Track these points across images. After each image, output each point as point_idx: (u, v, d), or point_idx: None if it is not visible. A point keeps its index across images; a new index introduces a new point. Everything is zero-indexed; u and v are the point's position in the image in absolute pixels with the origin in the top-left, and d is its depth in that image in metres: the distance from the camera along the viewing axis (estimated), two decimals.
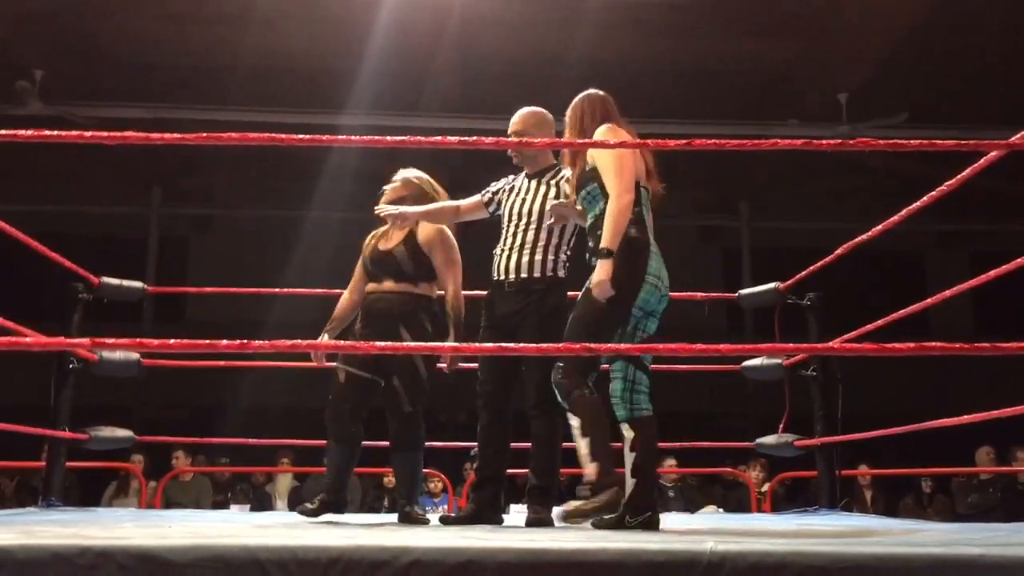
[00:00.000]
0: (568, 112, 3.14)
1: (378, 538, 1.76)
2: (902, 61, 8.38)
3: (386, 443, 5.29)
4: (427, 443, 5.41)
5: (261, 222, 12.07)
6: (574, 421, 2.72)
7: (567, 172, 3.29)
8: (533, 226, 3.28)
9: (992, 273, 3.46)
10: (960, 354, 2.15)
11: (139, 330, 10.06)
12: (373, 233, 3.68)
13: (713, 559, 1.65)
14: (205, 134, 2.43)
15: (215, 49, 8.47)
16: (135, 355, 4.69)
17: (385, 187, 3.69)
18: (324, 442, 6.10)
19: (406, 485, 3.50)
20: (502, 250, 3.34)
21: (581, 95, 3.15)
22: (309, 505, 3.54)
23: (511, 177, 3.52)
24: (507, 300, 3.27)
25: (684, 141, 2.34)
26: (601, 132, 2.97)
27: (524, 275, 3.25)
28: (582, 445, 2.69)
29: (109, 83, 8.98)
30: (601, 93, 3.16)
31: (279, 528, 2.41)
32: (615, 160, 2.89)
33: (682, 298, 5.69)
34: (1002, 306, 10.96)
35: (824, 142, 2.44)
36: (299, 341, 2.24)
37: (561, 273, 3.29)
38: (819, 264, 4.54)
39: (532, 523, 3.06)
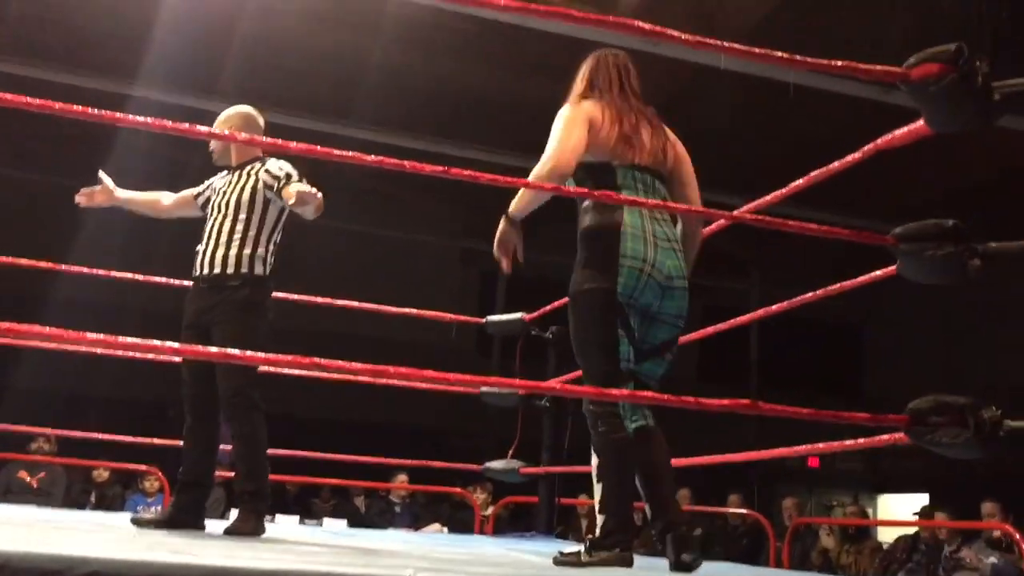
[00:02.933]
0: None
1: (54, 544, 1.62)
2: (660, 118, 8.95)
3: (97, 435, 4.95)
4: (152, 439, 5.12)
5: (30, 187, 10.86)
6: (593, 460, 2.43)
7: (272, 162, 3.26)
8: (229, 218, 3.21)
9: (717, 327, 3.75)
10: (666, 404, 2.30)
11: None
12: None
13: None
14: None
15: None
16: None
17: None
18: (29, 428, 5.58)
19: None
20: (201, 246, 3.26)
21: (596, 52, 2.76)
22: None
23: (223, 173, 3.43)
24: (201, 297, 3.20)
25: (442, 168, 2.36)
26: (562, 110, 2.61)
27: (217, 271, 3.16)
28: (596, 490, 2.40)
29: None
30: (612, 54, 2.75)
31: None
32: (557, 128, 2.55)
33: (434, 317, 5.79)
34: (723, 357, 11.95)
35: (572, 188, 2.55)
36: (34, 327, 2.03)
37: (259, 270, 3.19)
38: (564, 300, 4.74)
39: (232, 531, 2.95)
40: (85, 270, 4.90)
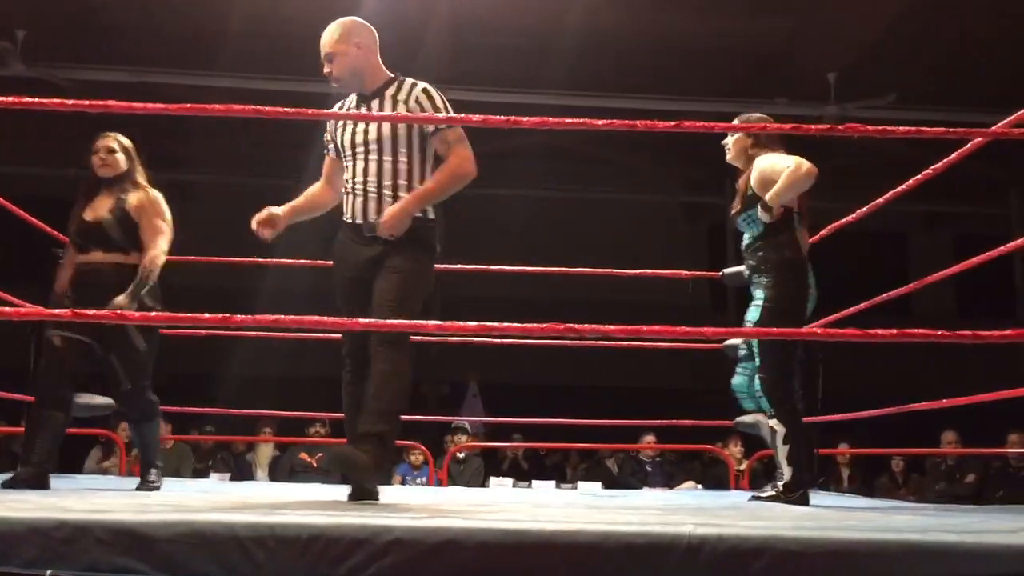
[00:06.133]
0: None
1: (358, 516, 1.76)
2: (891, 42, 8.35)
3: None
4: (409, 416, 5.41)
5: (249, 190, 11.95)
6: (779, 428, 3.12)
7: (420, 84, 2.81)
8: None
9: (977, 259, 3.48)
10: (941, 341, 2.16)
11: None
12: (78, 202, 3.42)
13: (692, 542, 1.66)
14: (188, 104, 2.40)
15: (204, 12, 8.33)
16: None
17: None
18: (308, 413, 6.08)
19: (146, 455, 3.56)
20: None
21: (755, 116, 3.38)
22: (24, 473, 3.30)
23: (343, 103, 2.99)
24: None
25: (673, 124, 2.32)
26: (768, 159, 3.22)
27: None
28: (782, 451, 3.12)
29: (93, 45, 8.84)
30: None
31: (258, 503, 2.41)
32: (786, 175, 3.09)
33: (667, 276, 5.73)
34: (984, 289, 11.05)
35: (812, 127, 2.44)
36: (282, 316, 2.23)
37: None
38: None
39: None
40: (287, 262, 5.34)
